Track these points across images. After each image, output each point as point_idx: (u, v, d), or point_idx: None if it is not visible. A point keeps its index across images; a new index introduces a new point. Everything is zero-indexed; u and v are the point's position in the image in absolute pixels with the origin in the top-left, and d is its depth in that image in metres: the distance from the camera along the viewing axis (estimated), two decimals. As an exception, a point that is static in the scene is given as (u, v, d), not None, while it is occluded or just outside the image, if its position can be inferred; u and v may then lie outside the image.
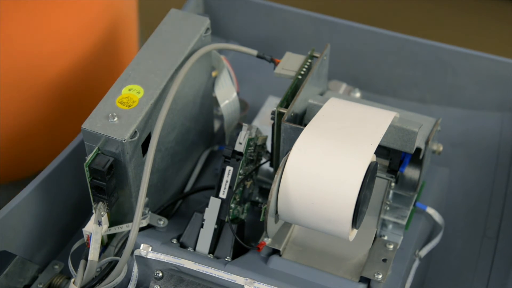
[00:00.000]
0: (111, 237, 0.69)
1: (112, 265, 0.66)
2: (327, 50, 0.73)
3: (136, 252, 0.67)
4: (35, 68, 0.77)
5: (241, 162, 0.69)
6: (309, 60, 0.72)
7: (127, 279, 0.68)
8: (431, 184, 0.76)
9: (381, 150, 0.70)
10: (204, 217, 0.69)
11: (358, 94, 0.83)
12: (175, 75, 0.68)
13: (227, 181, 0.69)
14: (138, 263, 0.68)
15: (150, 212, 0.70)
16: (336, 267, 0.67)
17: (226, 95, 0.78)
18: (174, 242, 0.69)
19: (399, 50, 0.90)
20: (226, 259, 0.68)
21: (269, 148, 0.74)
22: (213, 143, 0.82)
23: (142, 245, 0.67)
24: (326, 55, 0.73)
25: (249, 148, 0.70)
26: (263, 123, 0.82)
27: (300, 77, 0.71)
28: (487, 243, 0.79)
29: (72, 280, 0.64)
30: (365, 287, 0.65)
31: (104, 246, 0.69)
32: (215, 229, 0.69)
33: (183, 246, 0.69)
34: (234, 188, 0.69)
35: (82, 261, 0.65)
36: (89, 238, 0.65)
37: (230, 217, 0.70)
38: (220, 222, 0.69)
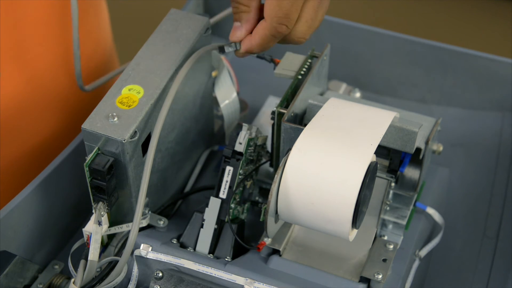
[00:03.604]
0: (111, 237, 0.70)
1: (112, 265, 0.67)
2: (327, 50, 0.73)
3: (136, 252, 0.67)
4: None
5: (241, 162, 0.69)
6: (309, 60, 0.72)
7: (127, 279, 0.68)
8: (431, 184, 0.76)
9: (381, 150, 0.70)
10: (204, 217, 0.69)
11: (358, 94, 0.83)
12: (175, 75, 0.68)
13: (227, 181, 0.69)
14: (138, 263, 0.68)
15: (150, 212, 0.70)
16: (336, 267, 0.67)
17: (226, 95, 0.78)
18: (174, 242, 0.69)
19: (399, 50, 0.90)
20: (226, 259, 0.68)
21: (269, 148, 0.74)
22: (213, 143, 0.82)
23: (142, 245, 0.68)
24: (326, 55, 0.73)
25: (249, 148, 0.70)
26: (263, 123, 0.82)
27: (300, 77, 0.71)
28: (487, 243, 0.79)
29: (72, 280, 0.64)
30: (365, 287, 0.65)
31: (104, 246, 0.69)
32: (215, 229, 0.69)
33: (183, 246, 0.69)
34: (234, 188, 0.69)
35: (82, 261, 0.65)
36: (89, 238, 0.65)
37: (230, 217, 0.70)
38: (220, 222, 0.69)
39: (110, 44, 0.94)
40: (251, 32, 0.65)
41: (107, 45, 0.92)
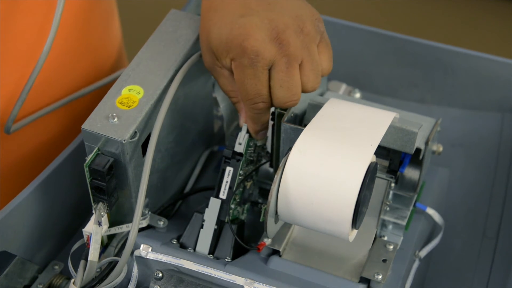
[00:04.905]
0: (111, 237, 0.70)
1: (112, 266, 0.67)
2: (327, 51, 0.73)
3: (136, 253, 0.67)
4: None
5: (241, 162, 0.69)
6: (309, 61, 0.72)
7: (127, 280, 0.68)
8: (431, 184, 0.76)
9: (381, 151, 0.70)
10: (204, 218, 0.69)
11: (358, 95, 0.83)
12: (175, 76, 0.68)
13: (227, 182, 0.69)
14: (138, 264, 0.68)
15: (150, 212, 0.70)
16: (336, 267, 0.67)
17: (226, 95, 0.78)
18: (174, 242, 0.69)
19: (399, 50, 0.90)
20: (226, 260, 0.68)
21: (269, 148, 0.74)
22: (213, 144, 0.82)
23: (142, 245, 0.68)
24: (326, 56, 0.73)
25: (249, 148, 0.70)
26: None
27: (300, 77, 0.71)
28: (487, 243, 0.79)
29: (72, 280, 0.64)
30: (365, 287, 0.65)
31: (104, 247, 0.69)
32: (215, 230, 0.69)
33: (183, 246, 0.69)
34: (234, 189, 0.69)
35: (82, 262, 0.65)
36: (89, 238, 0.65)
37: (230, 218, 0.70)
38: (220, 223, 0.69)
39: (119, 43, 0.94)
40: None
41: (116, 45, 0.92)
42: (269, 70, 0.64)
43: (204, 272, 0.66)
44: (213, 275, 0.66)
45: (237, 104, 0.69)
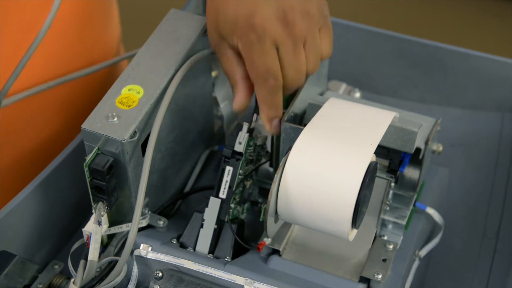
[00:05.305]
0: (111, 237, 0.70)
1: (112, 265, 0.66)
2: (327, 50, 0.73)
3: (136, 252, 0.67)
4: None
5: (240, 162, 0.69)
6: (309, 60, 0.72)
7: (127, 279, 0.68)
8: (431, 184, 0.76)
9: (381, 150, 0.70)
10: (204, 217, 0.69)
11: (358, 94, 0.83)
12: (175, 75, 0.68)
13: (227, 181, 0.69)
14: (138, 263, 0.68)
15: (150, 212, 0.70)
16: (336, 267, 0.67)
17: (226, 95, 0.78)
18: (174, 242, 0.69)
19: (399, 50, 0.90)
20: (226, 259, 0.68)
21: (268, 148, 0.74)
22: (213, 143, 0.82)
23: (142, 245, 0.68)
24: (326, 55, 0.73)
25: (249, 148, 0.70)
26: (263, 123, 0.82)
27: (300, 77, 0.71)
28: (487, 243, 0.79)
29: (72, 280, 0.64)
30: (365, 287, 0.65)
31: (104, 246, 0.69)
32: (215, 229, 0.69)
33: (183, 246, 0.69)
34: (234, 188, 0.69)
35: (82, 261, 0.65)
36: (89, 238, 0.65)
37: (230, 217, 0.70)
38: (220, 222, 0.69)
39: (117, 42, 0.94)
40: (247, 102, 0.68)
41: (114, 43, 0.92)
42: (276, 50, 0.64)
43: (204, 272, 0.66)
44: (213, 275, 0.66)
45: (234, 86, 0.68)
